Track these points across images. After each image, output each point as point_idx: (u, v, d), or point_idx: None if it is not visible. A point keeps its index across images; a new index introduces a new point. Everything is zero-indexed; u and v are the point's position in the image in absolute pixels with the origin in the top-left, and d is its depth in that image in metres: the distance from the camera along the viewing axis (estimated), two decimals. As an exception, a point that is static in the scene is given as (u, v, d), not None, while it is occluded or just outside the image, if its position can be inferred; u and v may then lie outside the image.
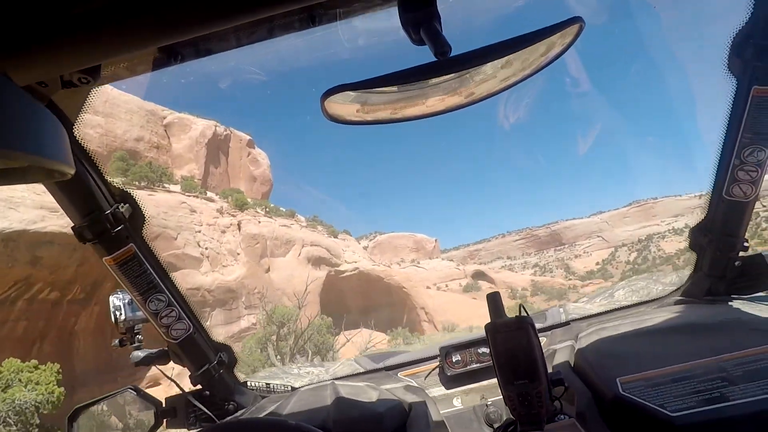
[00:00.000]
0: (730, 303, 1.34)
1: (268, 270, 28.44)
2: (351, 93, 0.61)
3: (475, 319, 38.82)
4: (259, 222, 29.84)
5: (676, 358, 1.03)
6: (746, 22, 1.03)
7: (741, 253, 1.37)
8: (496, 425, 1.29)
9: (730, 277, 1.39)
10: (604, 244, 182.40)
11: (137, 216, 1.22)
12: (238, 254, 26.20)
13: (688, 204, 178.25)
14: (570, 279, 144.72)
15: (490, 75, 0.67)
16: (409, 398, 1.30)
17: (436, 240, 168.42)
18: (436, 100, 0.71)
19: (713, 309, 1.30)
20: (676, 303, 1.52)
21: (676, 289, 1.60)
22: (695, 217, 1.39)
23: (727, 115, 1.19)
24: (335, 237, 38.94)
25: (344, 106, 0.65)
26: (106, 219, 1.13)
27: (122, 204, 1.17)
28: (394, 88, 0.64)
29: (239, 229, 27.83)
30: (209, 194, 29.51)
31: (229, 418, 1.45)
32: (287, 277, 23.84)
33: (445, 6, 0.63)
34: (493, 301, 1.04)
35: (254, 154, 45.44)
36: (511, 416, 1.07)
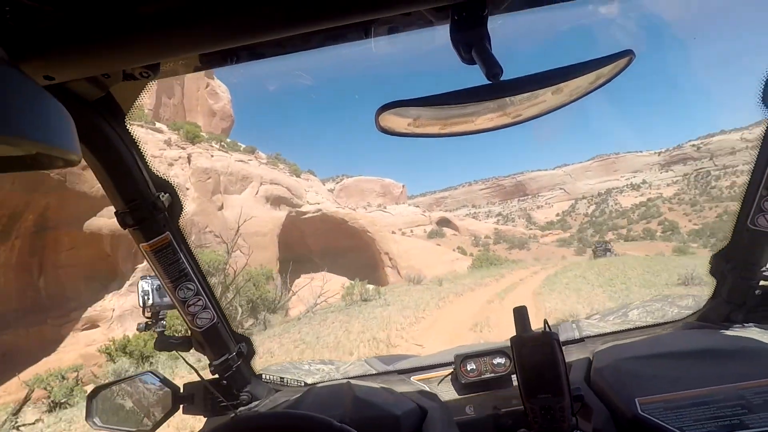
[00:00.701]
0: (748, 331, 1.35)
1: (221, 207, 26.20)
2: (405, 108, 0.63)
3: (439, 267, 37.82)
4: (212, 156, 27.05)
5: (695, 382, 1.04)
6: None
7: (762, 282, 1.37)
8: None
9: (750, 305, 1.39)
10: (565, 196, 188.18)
11: (176, 205, 1.26)
12: (187, 189, 23.76)
13: (647, 160, 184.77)
14: (531, 229, 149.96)
15: (540, 99, 0.69)
16: (424, 403, 1.30)
17: (403, 185, 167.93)
18: (485, 119, 0.72)
19: (732, 335, 1.30)
20: (694, 327, 1.51)
21: (693, 313, 1.59)
22: (718, 245, 1.46)
23: (758, 146, 1.22)
24: (297, 176, 36.24)
25: (397, 119, 0.67)
26: (148, 207, 1.17)
27: (163, 193, 1.21)
28: (446, 106, 0.66)
29: (189, 162, 25.09)
30: (158, 125, 26.28)
31: (245, 408, 1.49)
32: (243, 216, 21.85)
33: (494, 26, 0.65)
34: (520, 314, 1.06)
35: (213, 86, 41.39)
36: (523, 429, 1.11)
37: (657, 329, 1.60)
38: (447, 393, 1.51)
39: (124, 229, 1.20)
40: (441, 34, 0.69)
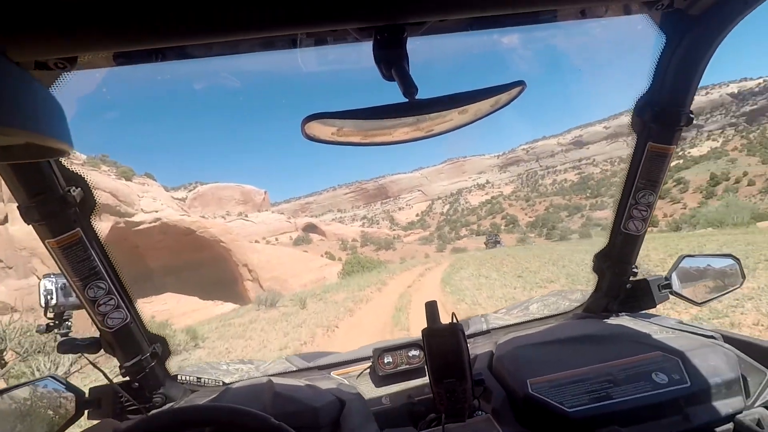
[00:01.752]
0: (621, 319, 1.56)
1: (4, 221, 19.35)
2: (330, 119, 0.68)
3: (306, 275, 35.01)
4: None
5: (575, 363, 1.22)
6: (646, 91, 1.26)
7: (632, 278, 1.60)
8: (419, 422, 1.38)
9: (622, 297, 1.62)
10: (423, 198, 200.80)
11: (88, 200, 1.20)
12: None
13: (489, 162, 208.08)
14: (394, 230, 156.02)
15: (448, 117, 0.78)
16: (342, 395, 1.37)
17: (265, 192, 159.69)
18: (401, 132, 0.80)
19: (607, 323, 1.51)
20: (579, 317, 1.72)
21: (579, 305, 1.79)
22: (598, 245, 1.63)
23: (628, 163, 1.41)
24: (128, 180, 29.79)
25: (322, 128, 0.72)
26: (56, 201, 1.12)
27: (74, 188, 1.15)
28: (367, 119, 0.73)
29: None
30: None
31: (158, 410, 1.43)
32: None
33: (413, 47, 0.72)
34: (431, 308, 1.13)
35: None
36: (433, 414, 1.27)
37: (551, 320, 1.78)
38: (365, 385, 1.57)
39: (28, 224, 1.12)
40: (365, 49, 0.75)
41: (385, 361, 1.59)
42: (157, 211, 27.22)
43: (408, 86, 0.68)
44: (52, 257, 1.20)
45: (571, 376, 1.18)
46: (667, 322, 1.47)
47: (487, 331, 1.78)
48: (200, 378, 1.67)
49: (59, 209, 1.12)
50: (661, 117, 1.26)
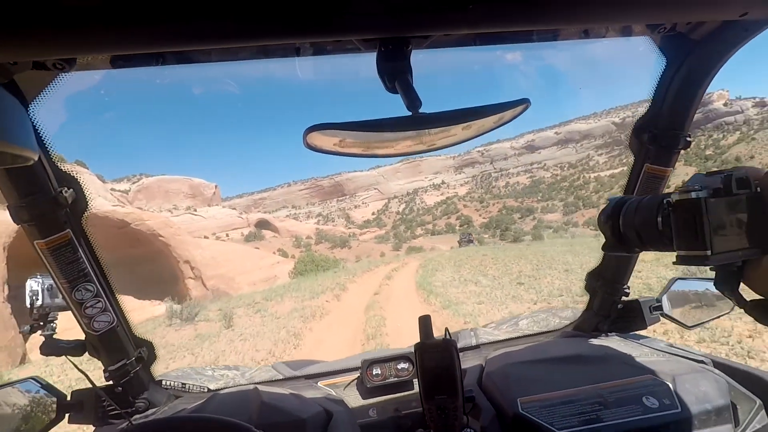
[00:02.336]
0: (611, 339, 1.56)
1: None
2: (333, 130, 0.68)
3: (256, 273, 33.01)
4: None
5: (565, 383, 1.21)
6: (645, 113, 1.26)
7: (623, 298, 1.59)
8: None
9: (613, 317, 1.61)
10: (379, 196, 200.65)
11: (80, 202, 1.19)
12: None
13: (444, 163, 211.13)
14: (350, 228, 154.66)
15: (452, 133, 0.77)
16: (329, 406, 1.36)
17: (216, 186, 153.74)
18: (404, 145, 0.79)
19: (598, 343, 1.51)
20: (569, 336, 1.72)
21: (570, 323, 1.78)
22: (592, 263, 1.63)
23: (624, 184, 1.41)
24: (54, 165, 26.47)
25: (325, 138, 0.72)
26: (47, 202, 1.11)
27: (66, 188, 1.14)
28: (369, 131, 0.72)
29: None
30: None
31: (141, 415, 1.45)
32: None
33: (415, 60, 0.71)
34: (424, 323, 1.13)
35: None
36: (420, 429, 1.24)
37: (541, 337, 1.77)
38: (352, 397, 1.55)
39: (17, 224, 1.12)
40: (369, 60, 0.74)
41: (374, 373, 1.56)
42: (85, 201, 24.43)
43: (412, 99, 0.68)
44: (40, 258, 1.18)
45: (561, 396, 1.17)
46: (657, 344, 1.47)
47: (477, 346, 1.77)
48: (185, 384, 1.65)
49: (50, 210, 1.11)
50: (659, 139, 1.25)
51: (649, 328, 1.60)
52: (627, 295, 1.59)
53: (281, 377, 1.74)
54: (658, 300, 1.59)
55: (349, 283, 16.46)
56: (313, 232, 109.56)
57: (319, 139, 0.71)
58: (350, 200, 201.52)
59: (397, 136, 0.74)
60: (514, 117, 0.78)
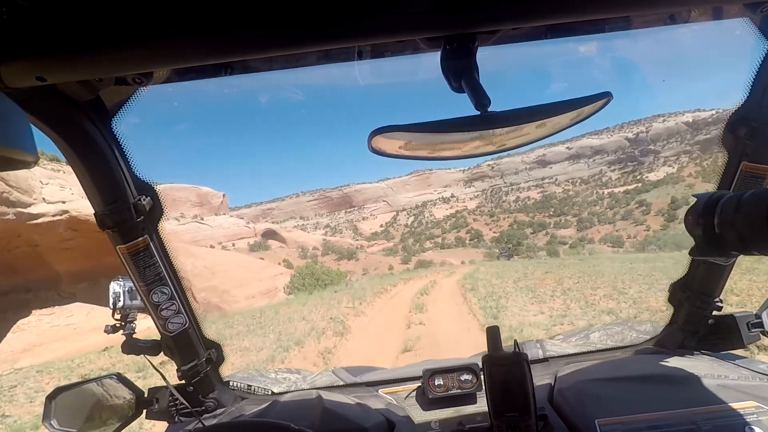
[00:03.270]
0: (700, 358, 1.43)
1: None
2: (398, 132, 0.66)
3: (255, 285, 30.33)
4: None
5: (650, 406, 1.11)
6: (742, 104, 1.14)
7: (715, 312, 1.45)
8: None
9: (703, 333, 1.47)
10: (388, 208, 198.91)
11: (156, 209, 1.27)
12: None
13: (454, 177, 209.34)
14: (357, 239, 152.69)
15: (524, 131, 0.73)
16: (391, 416, 1.36)
17: (224, 195, 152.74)
18: (472, 146, 0.76)
19: (685, 362, 1.38)
20: (651, 352, 1.59)
21: (650, 339, 1.66)
22: (676, 273, 1.51)
23: (716, 183, 1.29)
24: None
25: (389, 142, 0.69)
26: (128, 209, 1.18)
27: (144, 196, 1.22)
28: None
29: None
30: None
31: (210, 415, 1.51)
32: None
33: (482, 56, 0.69)
34: (492, 334, 1.08)
35: None
36: None
37: (616, 352, 1.65)
38: (414, 407, 1.51)
39: (103, 230, 1.18)
40: (432, 59, 0.72)
41: (436, 383, 1.51)
42: (64, 202, 21.32)
43: (480, 98, 0.65)
44: (121, 262, 1.25)
45: (645, 420, 1.07)
46: (757, 366, 1.31)
47: (545, 359, 1.68)
48: (250, 385, 1.70)
49: (130, 217, 1.17)
50: (759, 134, 1.13)
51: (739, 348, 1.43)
52: (720, 309, 1.41)
53: (342, 383, 1.72)
54: (758, 316, 1.41)
55: (352, 317, 11.26)
56: (320, 243, 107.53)
57: (383, 142, 0.69)
58: (358, 212, 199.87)
59: (466, 137, 0.70)
60: (594, 112, 0.73)
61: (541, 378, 1.48)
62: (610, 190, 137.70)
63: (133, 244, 1.21)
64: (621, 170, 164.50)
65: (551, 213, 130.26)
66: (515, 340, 1.10)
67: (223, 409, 1.53)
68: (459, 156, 0.78)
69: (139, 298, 1.35)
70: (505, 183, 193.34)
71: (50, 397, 1.38)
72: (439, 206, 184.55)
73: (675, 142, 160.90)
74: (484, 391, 1.13)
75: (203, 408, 1.50)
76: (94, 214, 1.17)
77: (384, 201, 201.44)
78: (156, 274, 1.29)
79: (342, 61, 0.84)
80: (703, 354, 1.45)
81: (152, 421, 1.51)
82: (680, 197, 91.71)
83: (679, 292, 1.48)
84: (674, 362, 1.36)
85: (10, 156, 0.46)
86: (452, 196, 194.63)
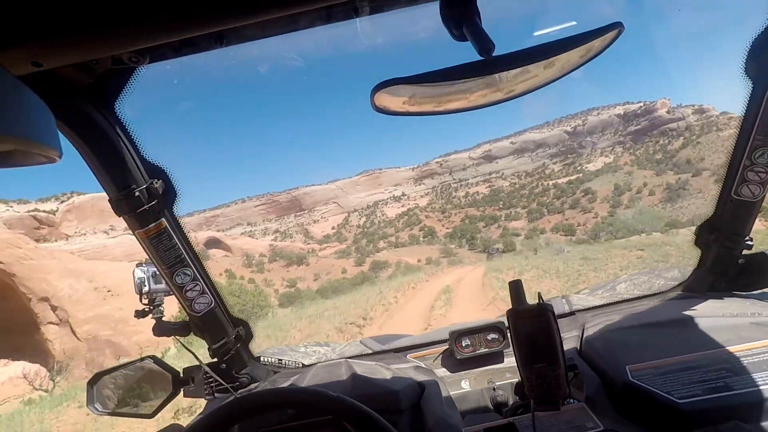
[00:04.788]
0: (731, 299, 1.40)
1: None
2: (400, 86, 0.63)
3: (170, 306, 25.26)
4: None
5: (682, 349, 1.10)
6: (765, 28, 1.07)
7: (744, 252, 1.42)
8: (503, 409, 1.33)
9: (733, 274, 1.45)
10: (339, 210, 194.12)
11: (170, 192, 1.27)
12: None
13: (404, 175, 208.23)
14: (309, 243, 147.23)
15: (532, 74, 0.70)
16: (421, 379, 1.36)
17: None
18: (479, 95, 0.73)
19: (716, 304, 1.36)
20: (680, 297, 1.57)
21: (678, 284, 1.65)
22: (701, 215, 1.42)
23: (741, 116, 1.23)
24: None
25: (392, 98, 0.67)
26: (142, 194, 1.19)
27: (156, 180, 1.23)
28: (440, 82, 0.66)
29: None
30: None
31: (245, 389, 1.56)
32: None
33: (483, 3, 0.65)
34: (515, 288, 1.07)
35: None
36: (518, 400, 1.22)
37: (644, 301, 1.63)
38: (443, 369, 1.55)
39: (119, 216, 1.20)
40: (428, 12, 0.69)
41: (463, 344, 1.55)
42: None
43: (483, 42, 0.61)
44: (142, 247, 1.27)
45: (678, 362, 1.06)
46: None
47: (571, 313, 1.67)
48: (281, 360, 1.73)
49: (144, 201, 1.18)
50: None
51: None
52: (750, 248, 1.39)
53: (370, 351, 1.75)
54: None
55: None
56: (267, 250, 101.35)
57: (386, 99, 0.66)
58: (309, 215, 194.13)
59: (472, 84, 0.68)
60: (605, 48, 0.68)
61: (568, 331, 1.46)
62: (554, 181, 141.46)
63: (151, 227, 1.22)
64: (562, 162, 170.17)
65: (501, 206, 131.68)
66: (539, 293, 1.09)
67: (256, 384, 1.56)
68: (466, 107, 0.75)
69: (163, 281, 1.37)
70: (454, 179, 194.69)
71: (91, 383, 1.46)
72: (390, 205, 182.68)
73: (609, 133, 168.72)
74: (511, 348, 1.14)
75: (237, 384, 1.52)
76: (109, 200, 1.18)
77: (335, 203, 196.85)
78: (176, 256, 1.29)
79: (340, 21, 0.80)
80: (735, 295, 1.40)
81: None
82: (622, 184, 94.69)
83: (706, 234, 1.43)
84: (705, 305, 1.33)
85: (34, 151, 0.46)
86: (403, 194, 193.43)
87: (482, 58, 0.61)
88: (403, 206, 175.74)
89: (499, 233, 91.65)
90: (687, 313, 1.27)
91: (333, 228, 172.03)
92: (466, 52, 0.63)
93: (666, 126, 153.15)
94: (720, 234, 1.39)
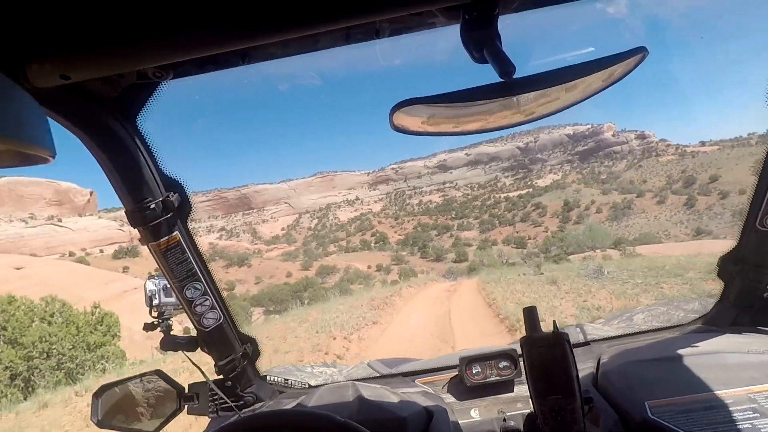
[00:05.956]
0: (756, 335, 1.33)
1: None
2: (419, 106, 0.63)
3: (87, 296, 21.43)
4: None
5: (704, 386, 1.06)
6: None
7: None
8: None
9: (758, 308, 1.38)
10: (290, 210, 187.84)
11: (185, 206, 1.27)
12: None
13: (359, 179, 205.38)
14: (256, 243, 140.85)
15: (553, 96, 0.69)
16: (429, 405, 1.34)
17: (91, 192, 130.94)
18: (499, 117, 0.73)
19: (740, 339, 1.30)
20: (701, 331, 1.51)
21: (699, 317, 1.59)
22: (725, 247, 1.41)
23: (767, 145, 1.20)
24: None
25: (411, 118, 0.67)
26: (157, 206, 1.19)
27: (172, 193, 1.23)
28: (460, 103, 0.66)
29: None
30: None
31: (249, 409, 1.54)
32: None
33: (504, 26, 0.66)
34: (530, 315, 1.04)
35: None
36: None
37: (663, 333, 1.58)
38: (452, 396, 1.51)
39: (134, 227, 1.20)
40: (449, 34, 0.69)
41: (473, 371, 1.50)
42: None
43: (504, 65, 0.61)
44: (155, 259, 1.27)
45: (700, 400, 1.02)
46: None
47: (587, 343, 1.62)
48: (287, 379, 1.72)
49: (161, 214, 1.18)
50: None
51: None
52: None
53: (377, 375, 1.73)
54: None
55: None
56: (207, 249, 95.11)
57: (405, 119, 0.66)
58: (258, 214, 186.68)
59: (491, 106, 0.67)
60: (628, 71, 0.68)
61: (583, 362, 1.41)
62: (506, 194, 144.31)
63: (164, 240, 1.21)
64: (514, 176, 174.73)
65: (453, 215, 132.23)
66: (554, 321, 1.06)
67: (261, 403, 1.54)
68: (485, 129, 0.75)
69: (174, 295, 1.36)
70: (408, 186, 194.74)
71: (96, 395, 1.44)
72: (343, 209, 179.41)
73: (558, 152, 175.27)
74: (523, 377, 1.12)
75: (242, 402, 1.51)
76: (125, 211, 1.18)
77: (286, 203, 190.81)
78: (188, 270, 1.28)
79: (360, 42, 0.81)
80: (760, 331, 1.34)
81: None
82: (571, 200, 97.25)
83: (730, 266, 1.38)
84: (728, 340, 1.29)
85: (28, 152, 0.46)
86: (357, 198, 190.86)
87: (503, 80, 0.61)
88: (356, 210, 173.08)
89: (452, 242, 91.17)
90: (709, 347, 1.23)
91: (283, 229, 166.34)
92: (487, 76, 0.63)
93: (611, 148, 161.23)
94: (744, 266, 1.32)
